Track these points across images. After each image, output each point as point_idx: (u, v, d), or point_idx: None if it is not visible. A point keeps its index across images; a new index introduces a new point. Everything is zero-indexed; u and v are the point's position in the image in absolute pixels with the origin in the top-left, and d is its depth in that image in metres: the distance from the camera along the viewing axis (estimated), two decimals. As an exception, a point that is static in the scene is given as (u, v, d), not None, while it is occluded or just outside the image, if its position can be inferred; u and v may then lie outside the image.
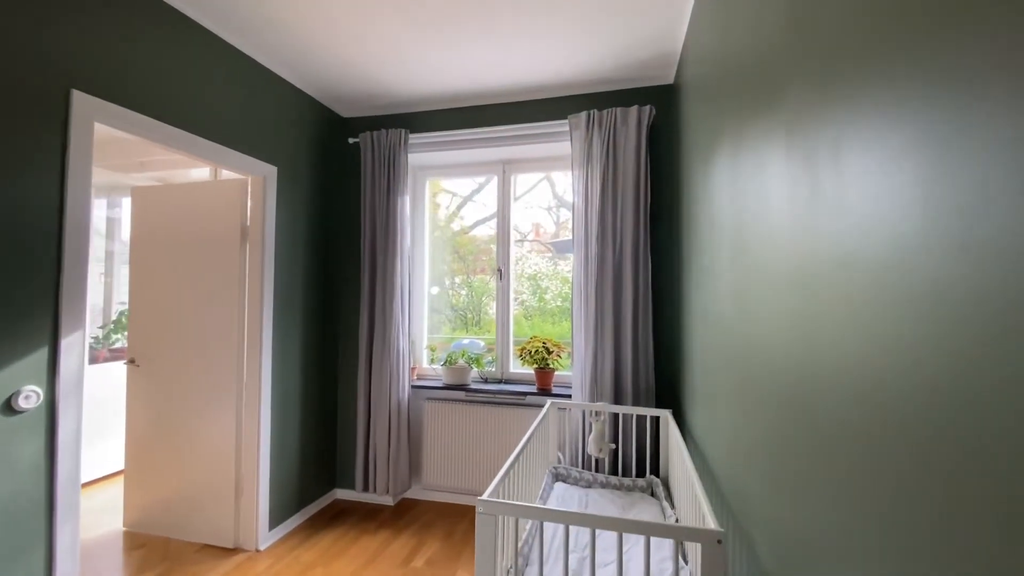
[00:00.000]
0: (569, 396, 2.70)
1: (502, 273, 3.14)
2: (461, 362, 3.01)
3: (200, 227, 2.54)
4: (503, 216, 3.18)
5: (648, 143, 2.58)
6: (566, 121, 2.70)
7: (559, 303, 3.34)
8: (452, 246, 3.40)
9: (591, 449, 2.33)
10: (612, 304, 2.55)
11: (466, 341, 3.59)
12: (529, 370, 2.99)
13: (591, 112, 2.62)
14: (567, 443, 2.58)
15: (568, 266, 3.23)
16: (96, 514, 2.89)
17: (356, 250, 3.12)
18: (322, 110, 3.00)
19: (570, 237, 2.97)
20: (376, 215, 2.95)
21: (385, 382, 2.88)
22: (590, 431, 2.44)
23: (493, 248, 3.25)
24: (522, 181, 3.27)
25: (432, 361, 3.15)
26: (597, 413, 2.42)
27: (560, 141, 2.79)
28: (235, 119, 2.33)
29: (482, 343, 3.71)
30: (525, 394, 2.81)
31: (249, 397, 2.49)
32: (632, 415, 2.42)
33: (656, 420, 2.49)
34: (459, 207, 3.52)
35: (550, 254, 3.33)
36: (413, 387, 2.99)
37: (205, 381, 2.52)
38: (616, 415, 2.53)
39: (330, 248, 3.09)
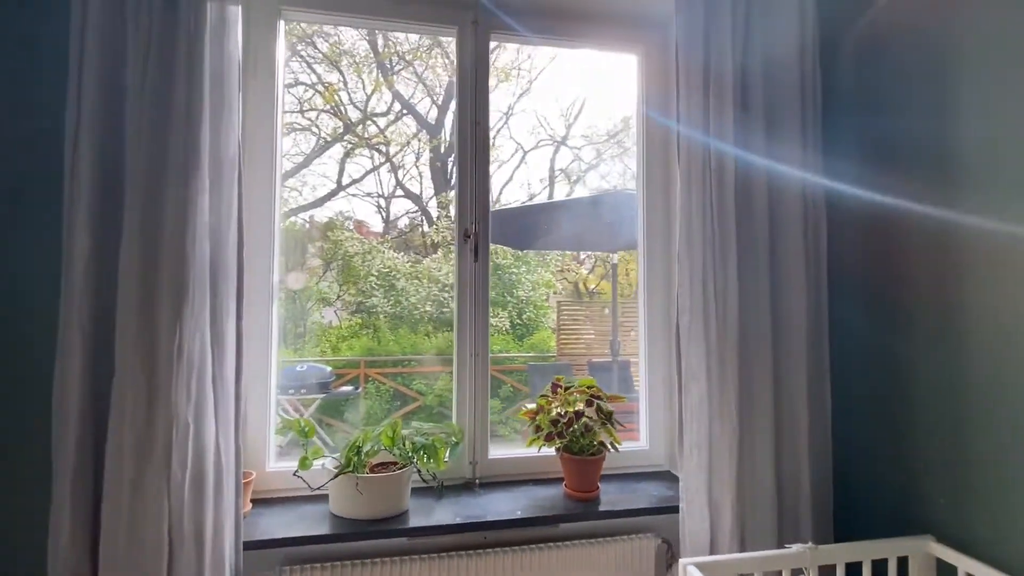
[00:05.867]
0: (674, 510, 1.16)
1: (474, 238, 1.43)
2: (383, 452, 1.20)
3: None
4: (470, 112, 1.46)
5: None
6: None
7: (428, 308, 2.95)
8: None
9: None
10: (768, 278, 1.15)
11: (301, 367, 2.67)
12: (533, 452, 1.35)
13: None
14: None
15: (439, 267, 2.87)
16: None
17: (58, 163, 1.03)
18: None
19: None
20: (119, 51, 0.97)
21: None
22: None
23: (331, 233, 2.96)
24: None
25: (306, 461, 1.17)
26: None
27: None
28: None
29: (328, 368, 3.00)
30: (558, 519, 1.17)
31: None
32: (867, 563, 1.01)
33: (903, 562, 1.06)
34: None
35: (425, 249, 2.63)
36: (245, 544, 1.04)
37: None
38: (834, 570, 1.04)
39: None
